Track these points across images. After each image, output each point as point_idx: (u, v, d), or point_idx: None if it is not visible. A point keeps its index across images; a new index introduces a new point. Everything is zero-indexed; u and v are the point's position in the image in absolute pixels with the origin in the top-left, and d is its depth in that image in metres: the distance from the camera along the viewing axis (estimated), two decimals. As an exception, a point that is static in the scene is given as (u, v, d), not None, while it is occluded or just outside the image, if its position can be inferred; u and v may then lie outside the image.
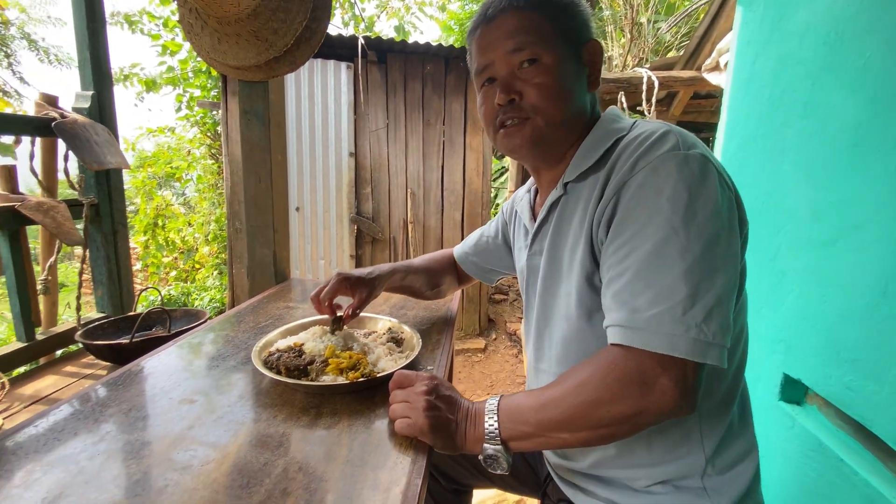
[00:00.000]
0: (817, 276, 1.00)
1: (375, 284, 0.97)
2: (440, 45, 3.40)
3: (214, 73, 5.30)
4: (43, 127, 1.29)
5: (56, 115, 1.32)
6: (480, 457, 0.64)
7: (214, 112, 5.59)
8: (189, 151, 6.05)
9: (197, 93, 5.58)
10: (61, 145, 1.36)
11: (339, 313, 0.93)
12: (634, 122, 0.70)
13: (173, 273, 5.91)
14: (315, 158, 3.56)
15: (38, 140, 1.35)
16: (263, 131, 1.33)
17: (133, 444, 0.63)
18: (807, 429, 1.01)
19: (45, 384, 1.24)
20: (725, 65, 2.18)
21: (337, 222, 3.69)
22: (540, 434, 0.61)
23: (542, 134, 0.70)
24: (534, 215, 0.84)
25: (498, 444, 0.62)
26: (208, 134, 5.79)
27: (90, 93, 1.42)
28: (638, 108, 3.24)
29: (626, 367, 0.56)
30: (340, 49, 3.43)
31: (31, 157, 1.34)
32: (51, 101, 1.36)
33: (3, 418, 1.13)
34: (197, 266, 5.98)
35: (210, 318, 1.33)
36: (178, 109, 5.64)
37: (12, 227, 1.23)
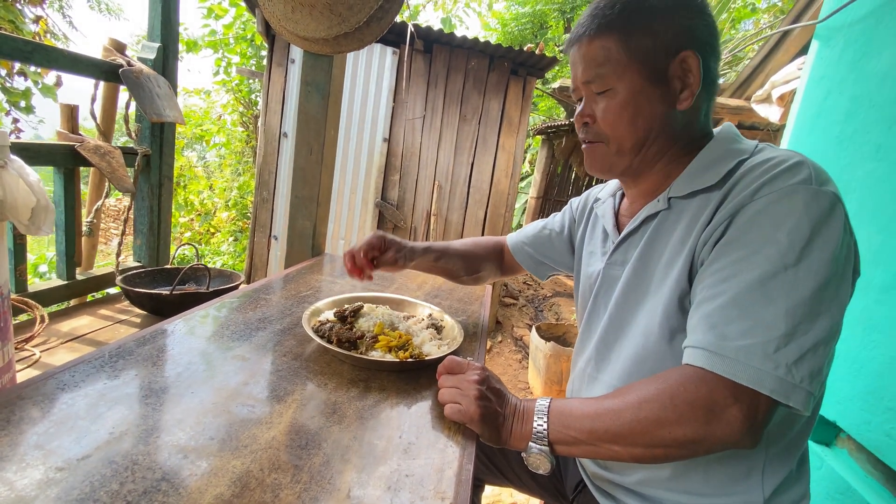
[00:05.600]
0: (870, 321, 0.99)
1: (406, 254, 0.97)
2: (487, 42, 3.39)
3: (258, 41, 5.34)
4: (110, 72, 1.30)
5: (123, 62, 1.33)
6: (524, 454, 0.63)
7: (251, 80, 5.64)
8: (220, 116, 6.10)
9: (236, 59, 5.62)
10: (123, 93, 1.38)
11: (366, 274, 0.93)
12: (758, 145, 0.68)
13: (188, 234, 5.97)
14: (350, 139, 3.56)
15: (101, 84, 1.37)
16: (322, 104, 1.34)
17: (194, 393, 0.64)
18: (835, 471, 1.01)
19: (81, 323, 1.26)
20: (778, 98, 2.15)
21: (362, 205, 3.70)
22: (590, 442, 0.60)
23: (611, 159, 0.73)
24: (617, 222, 0.83)
25: (545, 445, 0.62)
26: (242, 101, 5.83)
27: (157, 45, 1.43)
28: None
29: (697, 391, 0.55)
30: (388, 34, 3.43)
31: (93, 100, 1.37)
32: (119, 47, 1.38)
33: (41, 351, 1.15)
34: (212, 230, 6.04)
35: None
36: (216, 73, 5.68)
37: (69, 165, 1.25)
